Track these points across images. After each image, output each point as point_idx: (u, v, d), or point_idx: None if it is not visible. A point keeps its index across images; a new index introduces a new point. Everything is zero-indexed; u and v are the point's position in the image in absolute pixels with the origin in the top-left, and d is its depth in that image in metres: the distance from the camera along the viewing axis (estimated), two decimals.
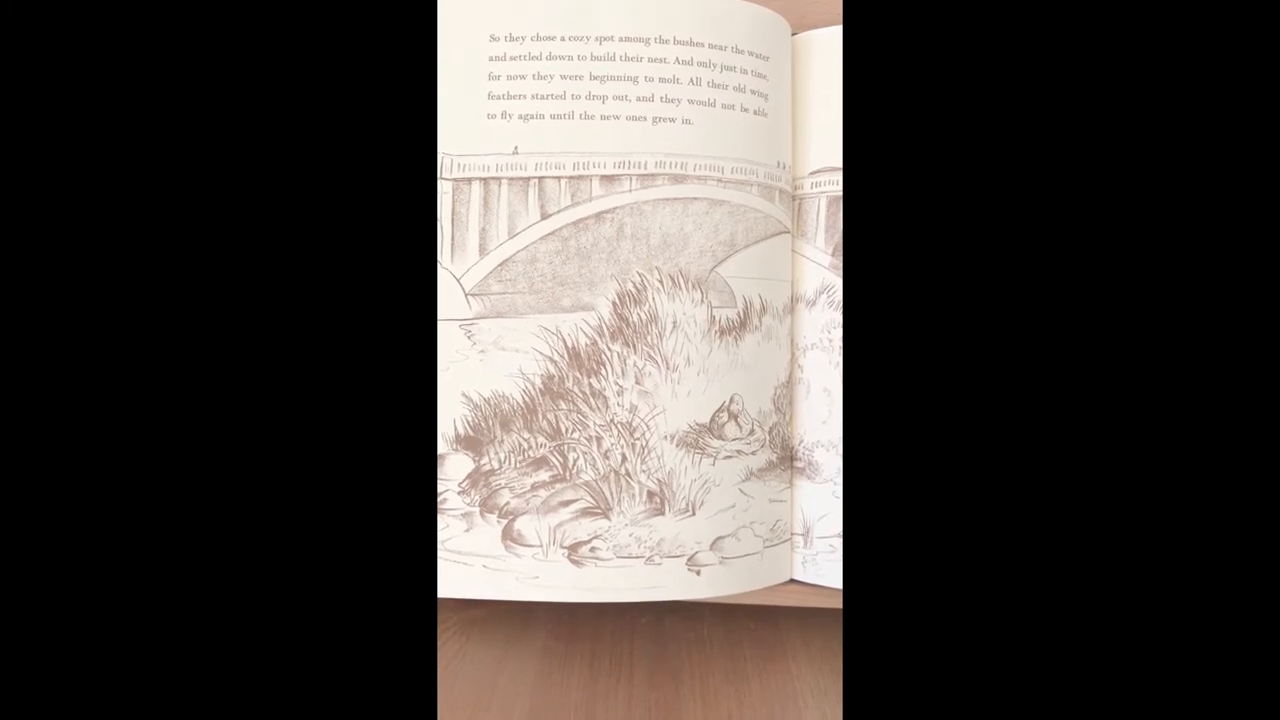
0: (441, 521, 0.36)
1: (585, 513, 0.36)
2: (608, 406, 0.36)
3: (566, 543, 0.36)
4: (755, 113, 0.38)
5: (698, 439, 0.37)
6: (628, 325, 0.36)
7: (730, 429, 0.37)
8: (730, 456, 0.37)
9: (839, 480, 0.38)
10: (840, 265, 0.39)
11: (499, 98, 0.36)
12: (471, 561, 0.36)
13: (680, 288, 0.37)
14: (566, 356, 0.36)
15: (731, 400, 0.37)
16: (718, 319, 0.37)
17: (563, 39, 0.36)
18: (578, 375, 0.36)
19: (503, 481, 0.36)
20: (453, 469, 0.36)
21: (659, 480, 0.36)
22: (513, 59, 0.36)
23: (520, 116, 0.36)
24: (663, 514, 0.36)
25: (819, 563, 0.39)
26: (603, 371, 0.36)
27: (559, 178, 0.36)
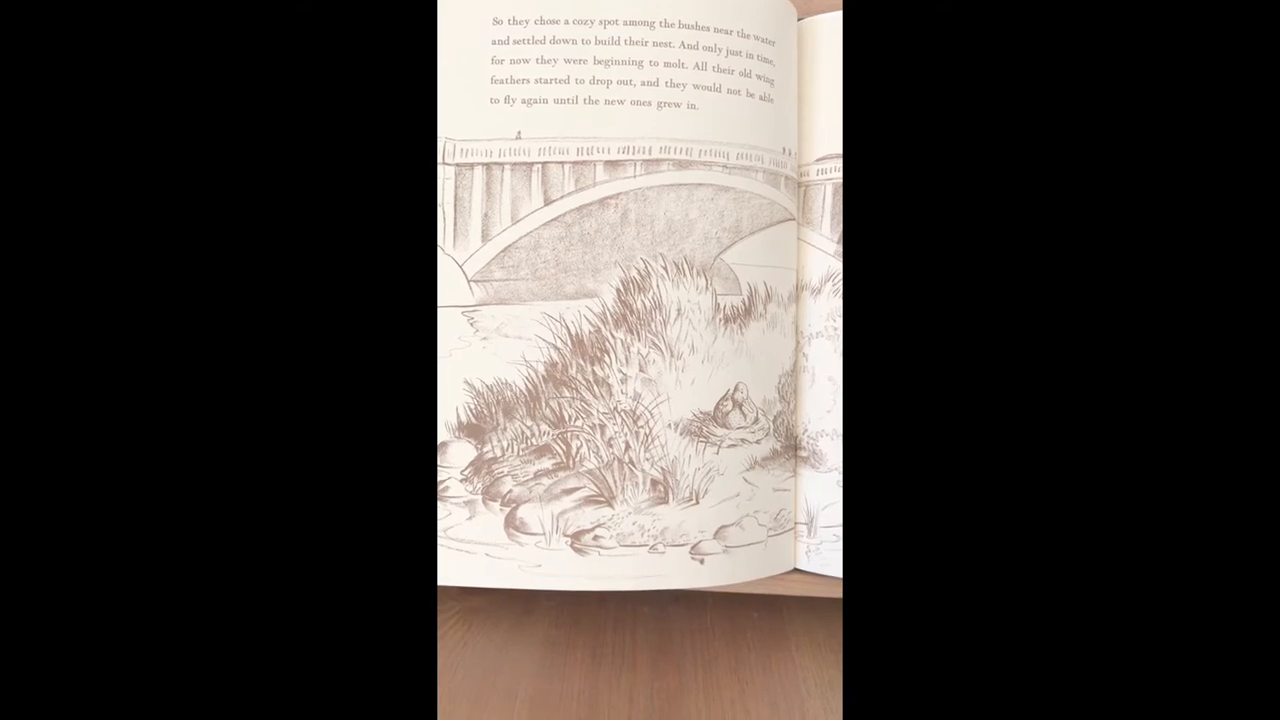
0: (444, 509, 0.36)
1: (588, 501, 0.36)
2: (611, 394, 0.36)
3: (569, 531, 0.36)
4: (761, 98, 0.37)
5: (702, 427, 0.36)
6: (632, 312, 0.36)
7: (734, 417, 0.37)
8: (734, 445, 0.37)
9: (842, 469, 0.38)
10: None
11: (502, 82, 0.36)
12: (474, 549, 0.36)
13: (685, 274, 0.36)
14: (570, 344, 0.36)
15: (736, 388, 0.37)
16: (722, 306, 0.37)
17: (566, 22, 0.36)
18: (581, 363, 0.36)
19: (505, 469, 0.36)
20: (455, 456, 0.36)
21: (663, 469, 0.36)
22: (516, 42, 0.36)
23: (523, 101, 0.36)
24: (666, 502, 0.36)
25: (823, 552, 0.39)
26: (606, 359, 0.36)
27: (562, 163, 0.36)
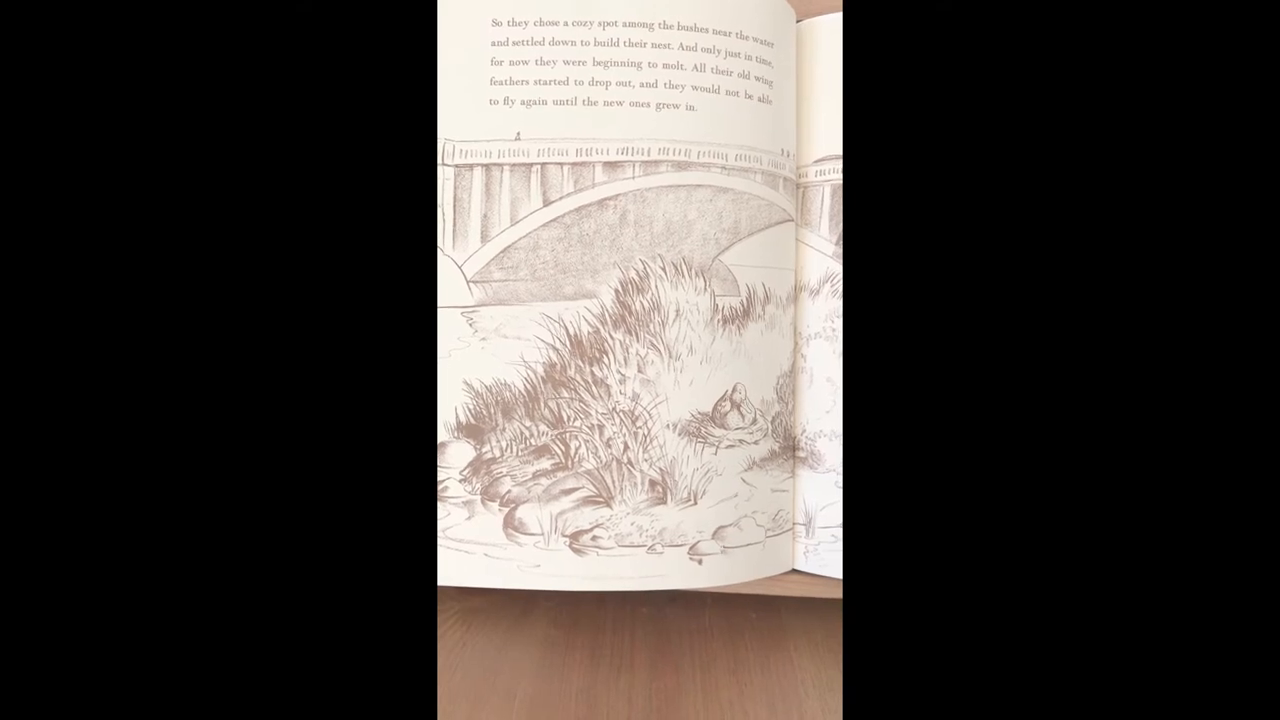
0: (443, 509, 0.36)
1: (587, 501, 0.36)
2: (610, 395, 0.36)
3: (568, 531, 0.36)
4: (760, 100, 0.37)
5: (700, 428, 0.37)
6: (630, 313, 0.36)
7: (733, 418, 0.37)
8: (733, 446, 0.37)
9: (841, 470, 0.38)
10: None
11: (501, 83, 0.36)
12: (473, 550, 0.36)
13: (683, 276, 0.36)
14: (569, 344, 0.36)
15: (734, 389, 0.37)
16: (721, 307, 0.37)
17: (566, 24, 0.36)
18: (580, 363, 0.36)
19: (504, 469, 0.36)
20: (454, 457, 0.36)
21: (661, 469, 0.36)
22: (515, 44, 0.36)
23: (523, 102, 0.36)
24: (665, 503, 0.36)
25: (821, 553, 0.39)
26: (605, 360, 0.36)
27: (561, 164, 0.36)
